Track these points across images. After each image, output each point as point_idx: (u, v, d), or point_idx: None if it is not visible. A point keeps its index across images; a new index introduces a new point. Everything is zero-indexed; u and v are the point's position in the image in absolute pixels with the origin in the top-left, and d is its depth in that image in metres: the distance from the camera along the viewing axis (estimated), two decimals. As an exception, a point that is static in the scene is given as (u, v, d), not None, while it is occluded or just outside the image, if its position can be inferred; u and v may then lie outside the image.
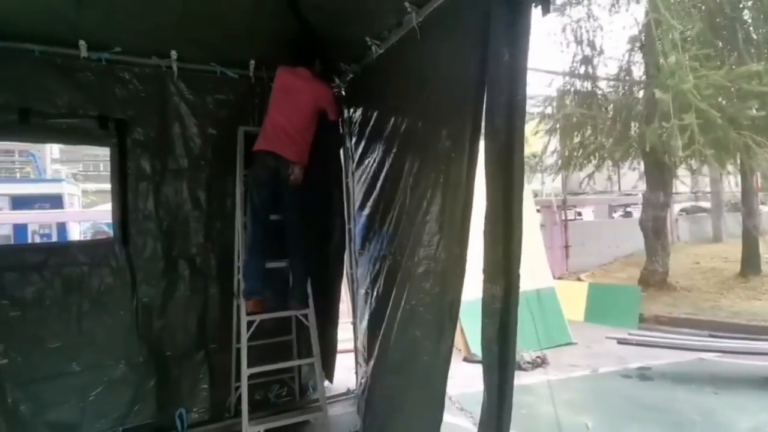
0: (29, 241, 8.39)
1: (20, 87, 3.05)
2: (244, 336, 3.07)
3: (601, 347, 5.61)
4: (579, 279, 9.18)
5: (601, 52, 8.34)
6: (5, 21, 2.91)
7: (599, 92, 8.48)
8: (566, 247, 10.54)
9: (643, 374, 4.95)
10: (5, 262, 3.12)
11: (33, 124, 3.07)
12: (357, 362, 4.09)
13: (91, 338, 3.24)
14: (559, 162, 9.30)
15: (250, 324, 3.12)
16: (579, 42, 8.21)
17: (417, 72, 2.69)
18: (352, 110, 3.87)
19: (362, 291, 3.68)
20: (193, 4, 3.04)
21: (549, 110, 8.97)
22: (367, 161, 3.54)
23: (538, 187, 13.07)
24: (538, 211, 9.86)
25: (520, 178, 1.74)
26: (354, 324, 4.10)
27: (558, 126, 8.71)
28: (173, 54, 3.37)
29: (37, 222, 9.15)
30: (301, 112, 3.30)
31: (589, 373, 4.98)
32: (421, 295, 2.36)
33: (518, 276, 1.71)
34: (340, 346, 4.29)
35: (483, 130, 1.97)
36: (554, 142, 9.16)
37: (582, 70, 8.25)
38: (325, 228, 4.01)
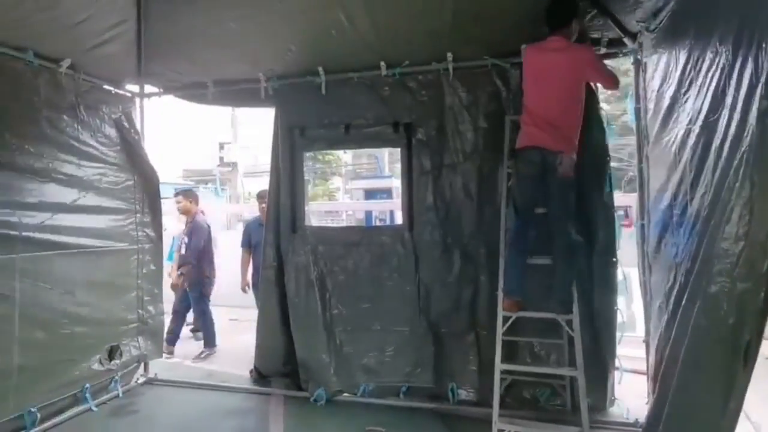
0: (373, 224, 11.09)
1: (345, 106, 4.00)
2: (499, 330, 3.03)
3: None
4: None
5: None
6: (338, 60, 3.90)
7: None
8: None
9: None
10: (338, 238, 4.21)
11: (351, 134, 4.00)
12: (648, 390, 3.33)
13: (388, 305, 3.96)
14: None
15: (505, 320, 3.05)
16: None
17: (724, 13, 1.91)
18: (648, 77, 3.13)
19: (656, 304, 2.98)
20: (461, 5, 3.18)
21: None
22: (665, 140, 2.81)
23: None
24: None
25: None
26: (647, 343, 3.35)
27: None
28: (449, 56, 3.63)
29: (378, 210, 12.18)
30: (559, 91, 2.93)
31: None
32: (710, 325, 1.69)
33: None
34: (634, 366, 3.61)
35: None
36: None
37: None
38: (591, 223, 3.42)
